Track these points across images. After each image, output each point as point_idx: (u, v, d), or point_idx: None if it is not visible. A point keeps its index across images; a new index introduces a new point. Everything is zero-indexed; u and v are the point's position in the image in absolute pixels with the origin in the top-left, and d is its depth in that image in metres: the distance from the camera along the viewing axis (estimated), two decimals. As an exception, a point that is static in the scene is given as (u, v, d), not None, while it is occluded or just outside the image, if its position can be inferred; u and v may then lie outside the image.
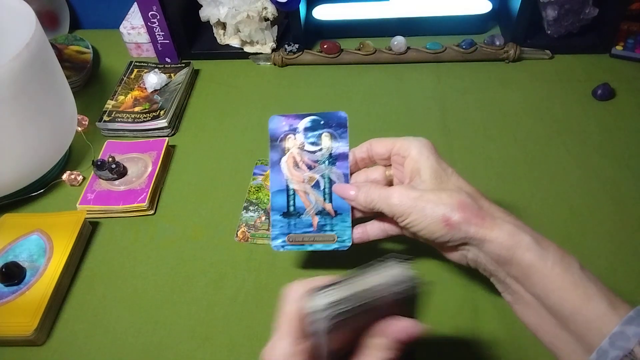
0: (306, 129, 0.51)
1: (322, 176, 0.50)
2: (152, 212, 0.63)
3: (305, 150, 0.51)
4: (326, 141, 0.50)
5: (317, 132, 0.51)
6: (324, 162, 0.50)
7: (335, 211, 0.49)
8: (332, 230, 0.49)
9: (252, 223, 0.61)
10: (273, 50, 0.84)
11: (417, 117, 0.73)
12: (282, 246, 0.50)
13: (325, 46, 0.82)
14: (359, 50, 0.82)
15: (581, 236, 0.56)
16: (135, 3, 0.86)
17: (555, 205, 0.60)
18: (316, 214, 0.50)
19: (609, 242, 0.56)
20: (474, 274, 0.53)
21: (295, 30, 0.82)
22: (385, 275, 0.32)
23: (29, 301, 0.52)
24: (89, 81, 0.84)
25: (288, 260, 0.57)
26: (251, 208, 0.62)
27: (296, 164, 0.50)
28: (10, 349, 0.51)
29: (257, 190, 0.64)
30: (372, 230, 0.49)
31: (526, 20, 0.78)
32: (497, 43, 0.80)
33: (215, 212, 0.63)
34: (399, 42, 0.80)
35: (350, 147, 0.50)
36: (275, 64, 0.84)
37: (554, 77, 0.77)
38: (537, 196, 0.61)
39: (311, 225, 0.50)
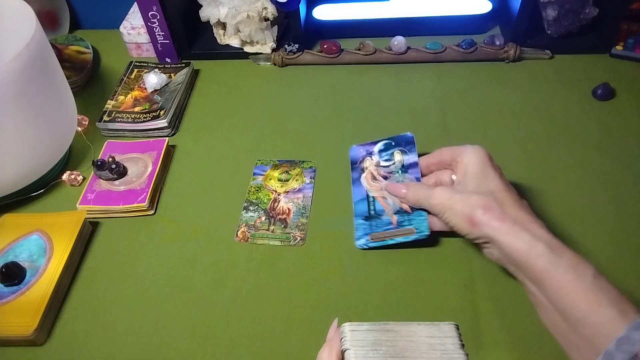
0: (380, 151, 0.60)
1: (398, 181, 0.56)
2: (152, 212, 0.63)
3: (381, 165, 0.59)
4: (398, 156, 0.59)
5: (389, 151, 0.60)
6: (397, 171, 0.58)
7: (412, 208, 0.54)
8: (410, 224, 0.54)
9: (252, 223, 0.61)
10: (273, 50, 0.84)
11: (417, 117, 0.73)
12: (366, 244, 0.55)
13: (325, 46, 0.82)
14: (359, 50, 0.82)
15: (581, 236, 0.56)
16: (135, 3, 0.86)
17: (555, 205, 0.60)
18: (395, 214, 0.55)
19: (609, 242, 0.56)
20: (474, 273, 0.54)
21: (295, 30, 0.82)
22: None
23: (29, 301, 0.52)
24: (89, 81, 0.84)
25: (288, 260, 0.57)
26: (251, 208, 0.62)
27: (374, 178, 0.58)
28: (10, 349, 0.51)
29: (257, 190, 0.64)
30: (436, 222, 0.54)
31: (526, 20, 0.78)
32: (497, 43, 0.80)
33: (215, 212, 0.63)
34: (399, 42, 0.80)
35: (420, 154, 0.58)
36: (275, 64, 0.84)
37: (554, 77, 0.77)
38: (537, 196, 0.61)
39: (391, 223, 0.55)
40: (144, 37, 0.86)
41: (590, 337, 0.36)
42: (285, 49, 0.82)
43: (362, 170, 0.60)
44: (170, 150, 0.71)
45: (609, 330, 0.35)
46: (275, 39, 0.84)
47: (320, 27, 0.87)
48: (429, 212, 0.53)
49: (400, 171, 0.58)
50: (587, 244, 0.55)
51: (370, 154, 0.61)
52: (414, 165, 0.57)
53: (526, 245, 0.41)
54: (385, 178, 0.58)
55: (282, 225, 0.60)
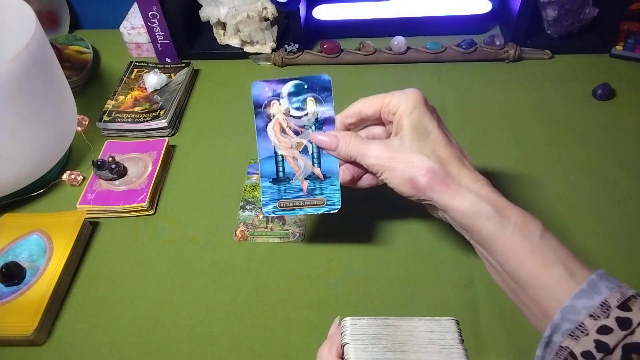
0: (290, 94, 0.50)
1: (310, 141, 0.50)
2: (152, 212, 0.63)
3: (290, 115, 0.50)
4: (311, 105, 0.50)
5: (301, 97, 0.50)
6: (310, 127, 0.50)
7: (324, 175, 0.50)
8: (321, 194, 0.50)
9: (250, 222, 0.61)
10: (273, 50, 0.84)
11: (417, 117, 0.72)
12: (273, 212, 0.50)
13: (325, 46, 0.82)
14: (359, 50, 0.82)
15: (581, 236, 0.56)
16: (135, 3, 0.86)
17: (555, 205, 0.60)
18: (305, 179, 0.50)
19: (609, 242, 0.56)
20: (474, 273, 0.54)
21: (295, 30, 0.82)
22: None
23: (29, 301, 0.52)
24: (89, 81, 0.84)
25: (288, 259, 0.57)
26: (248, 207, 0.62)
27: (283, 130, 0.50)
28: (10, 349, 0.51)
29: (253, 189, 0.64)
30: (366, 178, 0.49)
31: (526, 20, 0.78)
32: (497, 43, 0.80)
33: (215, 212, 0.63)
34: (399, 42, 0.80)
35: (336, 112, 0.50)
36: (275, 64, 0.84)
37: (554, 77, 0.77)
38: (537, 196, 0.61)
39: (301, 190, 0.50)
40: (144, 37, 0.86)
41: (538, 299, 0.36)
42: (285, 49, 0.82)
43: (269, 118, 0.50)
44: (170, 150, 0.71)
45: (556, 292, 0.35)
46: (275, 39, 0.84)
47: (320, 27, 0.87)
48: (362, 168, 0.47)
49: (313, 126, 0.50)
50: (587, 244, 0.55)
51: (277, 95, 0.50)
52: (330, 121, 0.49)
53: (472, 209, 0.39)
54: (297, 133, 0.50)
55: (280, 222, 0.60)
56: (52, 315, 0.53)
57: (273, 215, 0.50)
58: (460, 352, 0.35)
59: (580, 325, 0.33)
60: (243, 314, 0.53)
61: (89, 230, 0.62)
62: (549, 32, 0.81)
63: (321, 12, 0.86)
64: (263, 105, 0.50)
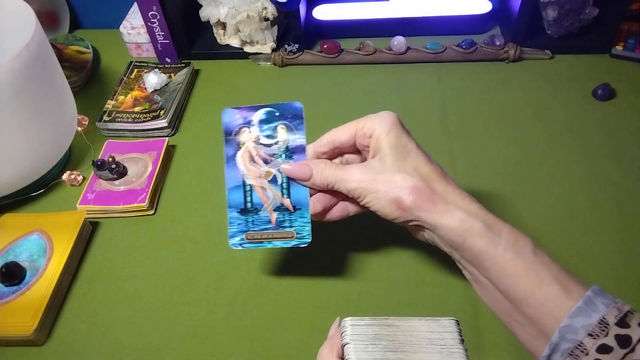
0: (261, 122, 0.49)
1: (280, 170, 0.48)
2: (152, 212, 0.63)
3: (260, 143, 0.49)
4: (282, 134, 0.49)
5: (272, 125, 0.49)
6: (280, 155, 0.48)
7: (294, 206, 0.48)
8: (291, 227, 0.48)
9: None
10: (273, 50, 0.84)
11: (417, 117, 0.72)
12: (240, 244, 0.48)
13: (325, 46, 0.82)
14: (359, 50, 0.82)
15: (582, 236, 0.56)
16: (135, 3, 0.86)
17: (555, 206, 0.60)
18: (274, 210, 0.48)
19: (610, 242, 0.56)
20: (474, 274, 0.54)
21: (295, 30, 0.82)
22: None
23: (29, 301, 0.52)
24: (89, 81, 0.84)
25: (288, 260, 0.57)
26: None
27: (252, 159, 0.49)
28: (10, 349, 0.52)
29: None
30: (336, 210, 0.48)
31: (526, 20, 0.78)
32: (497, 43, 0.80)
33: (216, 212, 0.63)
34: (399, 42, 0.80)
35: (308, 140, 0.48)
36: (275, 64, 0.84)
37: (554, 77, 0.77)
38: (537, 196, 0.61)
39: (269, 221, 0.48)
40: (144, 37, 0.85)
41: (534, 317, 0.35)
42: (285, 49, 0.82)
43: (239, 146, 0.49)
44: (170, 150, 0.71)
45: (552, 310, 0.34)
46: (275, 39, 0.84)
47: (320, 27, 0.87)
48: (337, 197, 0.46)
49: (283, 155, 0.48)
50: (588, 244, 0.55)
51: (248, 123, 0.49)
52: (301, 150, 0.48)
53: (463, 226, 0.38)
54: (266, 162, 0.48)
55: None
56: (52, 315, 0.53)
57: (240, 248, 0.48)
58: (460, 352, 0.35)
59: (579, 345, 0.32)
60: (243, 314, 0.53)
61: (89, 230, 0.62)
62: (549, 32, 0.81)
63: (321, 12, 0.86)
64: (233, 133, 0.49)
